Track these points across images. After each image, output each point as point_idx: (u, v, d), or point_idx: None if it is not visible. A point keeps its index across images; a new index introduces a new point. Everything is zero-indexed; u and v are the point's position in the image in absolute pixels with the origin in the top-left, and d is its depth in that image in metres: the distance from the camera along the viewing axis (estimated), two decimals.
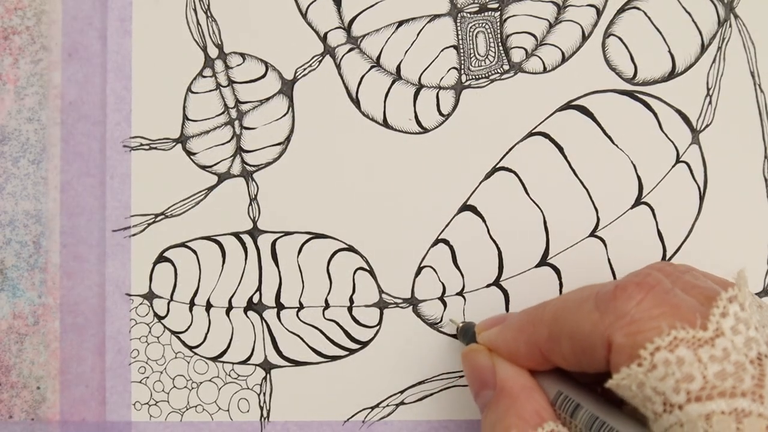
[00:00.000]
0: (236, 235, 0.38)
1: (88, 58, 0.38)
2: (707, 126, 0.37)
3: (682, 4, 0.37)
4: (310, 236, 0.38)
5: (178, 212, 0.38)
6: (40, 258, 0.38)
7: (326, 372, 0.37)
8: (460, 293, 0.37)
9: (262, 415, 0.37)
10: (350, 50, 0.38)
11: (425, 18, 0.38)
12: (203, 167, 0.38)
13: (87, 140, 0.38)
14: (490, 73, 0.37)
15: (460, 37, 0.37)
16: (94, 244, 0.38)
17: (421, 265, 0.37)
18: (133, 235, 0.38)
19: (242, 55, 0.38)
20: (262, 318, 0.38)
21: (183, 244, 0.38)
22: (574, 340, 0.27)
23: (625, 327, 0.26)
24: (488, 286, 0.37)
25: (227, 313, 0.38)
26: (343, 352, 0.37)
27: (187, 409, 0.37)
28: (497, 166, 0.37)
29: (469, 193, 0.37)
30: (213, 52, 0.38)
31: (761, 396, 0.24)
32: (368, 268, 0.37)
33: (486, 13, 0.37)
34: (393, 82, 0.38)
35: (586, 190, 0.37)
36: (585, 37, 0.37)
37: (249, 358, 0.38)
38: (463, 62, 0.37)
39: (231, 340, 0.38)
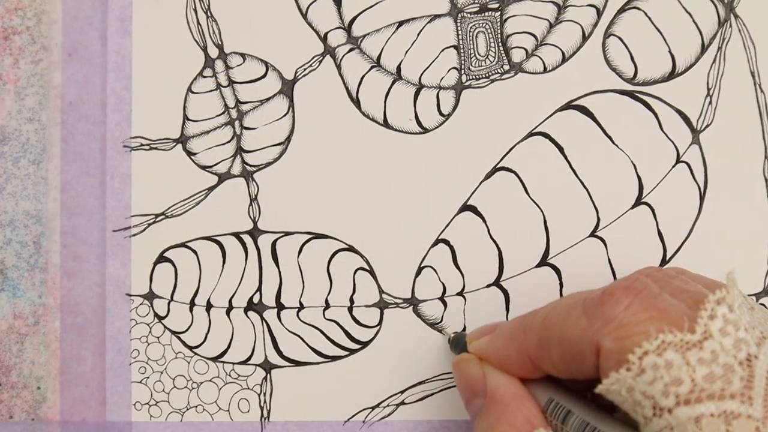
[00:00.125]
0: (236, 235, 0.38)
1: (88, 58, 0.38)
2: (707, 126, 0.37)
3: (682, 4, 0.37)
4: (311, 236, 0.38)
5: (179, 212, 0.38)
6: (41, 258, 0.38)
7: (326, 372, 0.37)
8: (461, 293, 0.37)
9: (262, 415, 0.37)
10: (350, 50, 0.38)
11: (425, 18, 0.38)
12: (203, 167, 0.38)
13: (87, 140, 0.38)
14: (490, 73, 0.37)
15: (460, 37, 0.37)
16: (94, 244, 0.38)
17: (422, 265, 0.37)
18: (134, 235, 0.38)
19: (242, 55, 0.38)
20: (262, 318, 0.38)
21: (183, 244, 0.38)
22: (563, 347, 0.28)
23: (613, 332, 0.26)
24: (488, 286, 0.37)
25: (227, 313, 0.38)
26: (343, 352, 0.37)
27: (187, 409, 0.37)
28: (497, 166, 0.37)
29: (470, 193, 0.37)
30: (213, 52, 0.38)
31: (750, 397, 0.24)
32: (368, 268, 0.37)
33: (486, 13, 0.37)
34: (393, 82, 0.38)
35: (587, 190, 0.37)
36: (585, 37, 0.37)
37: (249, 358, 0.38)
38: (463, 62, 0.37)
39: (231, 340, 0.38)
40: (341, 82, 0.38)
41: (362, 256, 0.37)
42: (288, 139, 0.38)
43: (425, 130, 0.37)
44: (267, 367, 0.38)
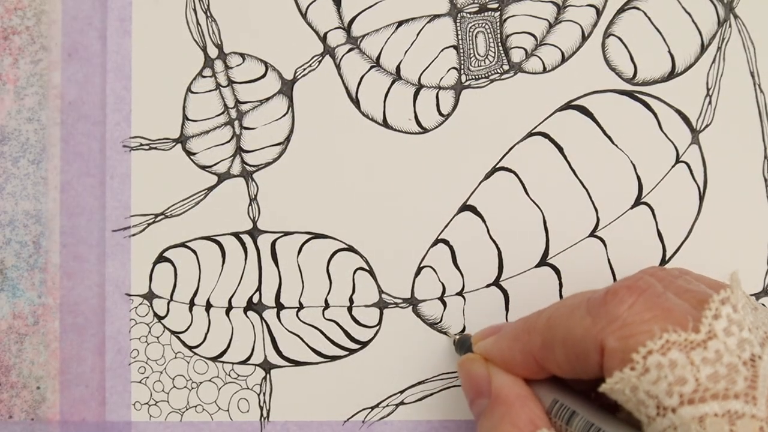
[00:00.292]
0: (236, 235, 0.38)
1: (88, 58, 0.38)
2: (707, 126, 0.37)
3: (682, 4, 0.37)
4: (310, 236, 0.38)
5: (178, 212, 0.38)
6: (40, 258, 0.38)
7: (326, 372, 0.37)
8: (460, 293, 0.37)
9: (262, 415, 0.37)
10: (350, 50, 0.38)
11: (425, 18, 0.38)
12: (203, 167, 0.38)
13: (87, 140, 0.38)
14: (490, 73, 0.37)
15: (459, 37, 0.37)
16: (94, 244, 0.38)
17: (421, 265, 0.37)
18: (133, 235, 0.38)
19: (242, 55, 0.38)
20: (262, 318, 0.38)
21: (183, 244, 0.38)
22: (568, 347, 0.27)
23: (617, 331, 0.26)
24: (488, 286, 0.37)
25: (227, 313, 0.38)
26: (343, 352, 0.37)
27: (187, 409, 0.37)
28: (497, 166, 0.37)
29: (469, 193, 0.37)
30: (213, 52, 0.38)
31: (754, 397, 0.24)
32: (368, 268, 0.37)
33: (486, 13, 0.37)
34: (393, 82, 0.38)
35: (586, 190, 0.37)
36: (585, 37, 0.37)
37: (249, 358, 0.38)
38: (462, 62, 0.37)
39: (231, 340, 0.38)
40: (341, 82, 0.38)
41: (362, 256, 0.37)
42: (287, 139, 0.38)
43: (425, 130, 0.37)
44: (266, 367, 0.38)
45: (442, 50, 0.37)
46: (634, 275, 0.29)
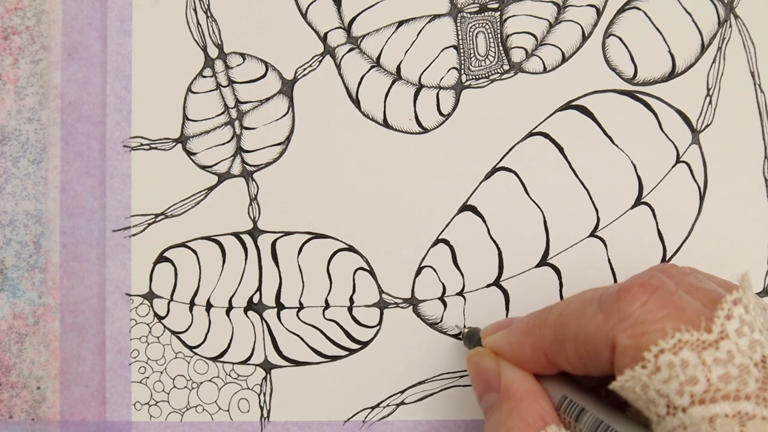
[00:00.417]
0: (236, 235, 0.38)
1: (88, 58, 0.38)
2: (707, 126, 0.37)
3: (682, 4, 0.37)
4: (310, 236, 0.38)
5: (178, 212, 0.38)
6: (40, 258, 0.38)
7: (326, 372, 0.37)
8: (460, 293, 0.37)
9: (262, 415, 0.37)
10: (350, 50, 0.38)
11: (425, 18, 0.38)
12: (203, 167, 0.38)
13: (87, 140, 0.38)
14: (490, 73, 0.37)
15: (460, 37, 0.37)
16: (94, 244, 0.38)
17: (421, 265, 0.37)
18: (133, 235, 0.38)
19: (242, 55, 0.38)
20: (262, 318, 0.38)
21: (183, 244, 0.38)
22: (579, 343, 0.27)
23: (629, 329, 0.26)
24: (488, 286, 0.37)
25: (227, 313, 0.38)
26: (343, 352, 0.37)
27: (187, 409, 0.37)
28: (497, 166, 0.37)
29: (469, 193, 0.37)
30: (213, 52, 0.38)
31: (765, 399, 0.24)
32: (368, 268, 0.37)
33: (486, 13, 0.37)
34: (393, 82, 0.38)
35: (586, 190, 0.37)
36: (585, 37, 0.37)
37: (249, 358, 0.38)
38: (463, 62, 0.37)
39: (231, 340, 0.38)
40: (341, 82, 0.38)
41: (362, 256, 0.37)
42: (288, 139, 0.38)
43: (425, 130, 0.37)
44: (267, 367, 0.38)
45: (442, 50, 0.37)
46: (646, 272, 0.28)
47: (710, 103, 0.37)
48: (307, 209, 0.38)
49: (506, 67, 0.37)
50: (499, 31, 0.37)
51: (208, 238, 0.38)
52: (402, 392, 0.37)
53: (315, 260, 0.37)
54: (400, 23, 0.38)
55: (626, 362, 0.26)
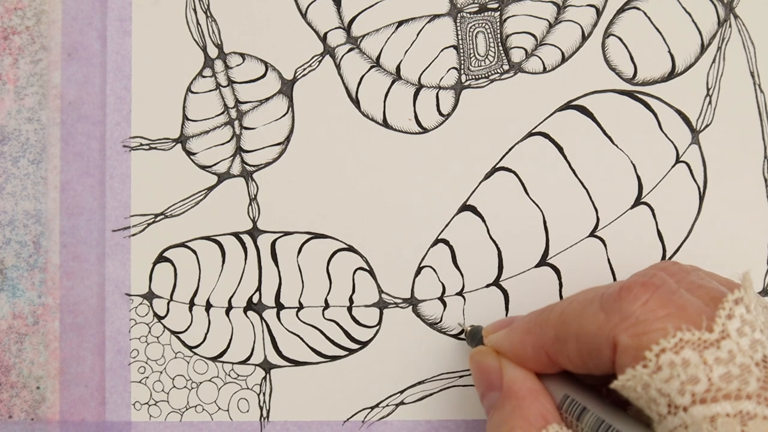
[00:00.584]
0: (236, 235, 0.38)
1: (88, 58, 0.38)
2: (707, 126, 0.37)
3: (682, 4, 0.37)
4: (310, 236, 0.38)
5: (178, 212, 0.38)
6: (40, 258, 0.38)
7: (326, 372, 0.37)
8: (460, 293, 0.37)
9: (261, 415, 0.37)
10: (350, 50, 0.38)
11: (425, 18, 0.38)
12: (203, 167, 0.38)
13: (87, 140, 0.38)
14: (490, 73, 0.37)
15: (460, 37, 0.37)
16: (94, 244, 0.38)
17: (421, 265, 0.37)
18: (133, 235, 0.38)
19: (242, 55, 0.38)
20: (261, 318, 0.38)
21: (183, 244, 0.38)
22: (580, 342, 0.27)
23: (631, 328, 0.26)
24: (488, 286, 0.37)
25: (227, 313, 0.38)
26: (343, 352, 0.37)
27: (186, 409, 0.37)
28: (497, 166, 0.37)
29: (469, 193, 0.37)
30: (213, 52, 0.38)
31: (766, 398, 0.24)
32: (368, 268, 0.37)
33: (486, 13, 0.37)
34: (393, 82, 0.38)
35: (586, 190, 0.37)
36: (585, 37, 0.37)
37: (249, 358, 0.38)
38: (463, 62, 0.37)
39: (231, 340, 0.38)
40: (341, 82, 0.38)
41: (362, 256, 0.37)
42: (287, 139, 0.38)
43: (425, 130, 0.37)
44: (266, 366, 0.38)
45: (442, 50, 0.37)
46: (647, 270, 0.28)
47: (710, 103, 0.37)
48: (307, 209, 0.38)
49: (506, 67, 0.37)
50: (498, 31, 0.37)
51: (207, 238, 0.38)
52: (401, 392, 0.37)
53: (315, 260, 0.37)
54: (400, 23, 0.38)
55: (627, 361, 0.26)
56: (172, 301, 0.38)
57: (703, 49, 0.37)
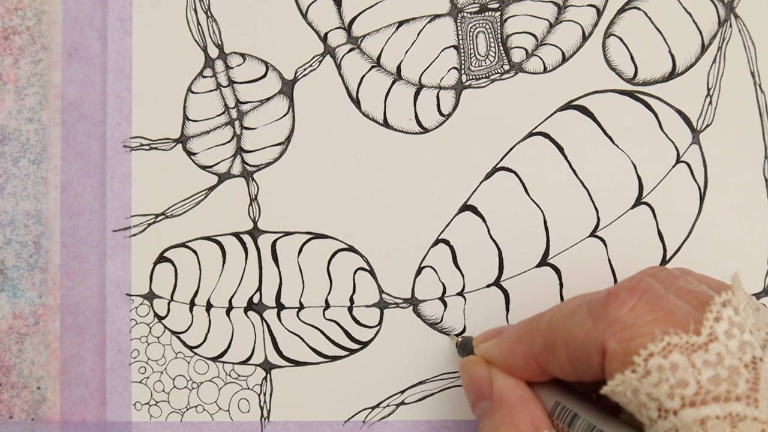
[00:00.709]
0: (236, 235, 0.38)
1: (89, 58, 0.38)
2: (707, 126, 0.37)
3: (682, 4, 0.37)
4: (311, 236, 0.38)
5: (179, 212, 0.38)
6: (41, 258, 0.38)
7: (326, 372, 0.37)
8: (461, 293, 0.37)
9: (262, 415, 0.37)
10: (350, 50, 0.38)
11: (425, 18, 0.38)
12: (203, 167, 0.38)
13: (87, 140, 0.38)
14: (490, 73, 0.37)
15: (460, 37, 0.37)
16: (94, 244, 0.38)
17: (422, 265, 0.37)
18: (134, 235, 0.38)
19: (242, 55, 0.38)
20: (262, 318, 0.38)
21: (183, 245, 0.38)
22: (569, 349, 0.27)
23: (618, 333, 0.26)
24: (488, 286, 0.37)
25: (227, 313, 0.38)
26: (343, 352, 0.37)
27: (187, 410, 0.37)
28: (497, 166, 0.37)
29: (470, 193, 0.37)
30: (213, 52, 0.38)
31: (756, 400, 0.24)
32: (368, 268, 0.37)
33: (486, 13, 0.37)
34: (393, 82, 0.38)
35: (587, 190, 0.37)
36: (585, 37, 0.37)
37: (249, 358, 0.38)
38: (463, 62, 0.37)
39: (231, 340, 0.38)
40: (341, 82, 0.38)
41: (362, 256, 0.37)
42: (288, 139, 0.38)
43: (425, 130, 0.37)
44: (267, 367, 0.38)
45: (442, 50, 0.37)
46: (634, 276, 0.29)
47: (710, 103, 0.37)
48: (307, 209, 0.38)
49: (506, 67, 0.37)
50: (499, 31, 0.37)
51: (208, 238, 0.38)
52: (402, 392, 0.37)
53: (315, 260, 0.37)
54: (401, 23, 0.38)
55: (616, 367, 0.26)
56: (172, 301, 0.38)
57: (704, 49, 0.37)
